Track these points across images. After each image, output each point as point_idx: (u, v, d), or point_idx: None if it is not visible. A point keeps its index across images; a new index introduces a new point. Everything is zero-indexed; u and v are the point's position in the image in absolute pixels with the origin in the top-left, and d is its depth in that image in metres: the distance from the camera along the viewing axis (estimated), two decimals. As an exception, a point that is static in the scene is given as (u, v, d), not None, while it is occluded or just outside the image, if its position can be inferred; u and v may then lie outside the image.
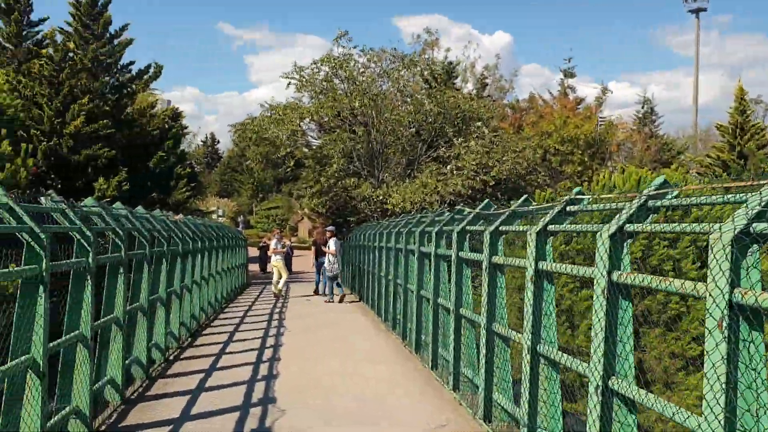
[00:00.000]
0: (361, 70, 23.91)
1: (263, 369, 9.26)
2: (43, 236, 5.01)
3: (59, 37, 24.75)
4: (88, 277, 6.21)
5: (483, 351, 6.65)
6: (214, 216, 47.43)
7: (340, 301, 18.13)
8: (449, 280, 8.68)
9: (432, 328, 9.01)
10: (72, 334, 6.00)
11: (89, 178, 23.53)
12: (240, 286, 22.45)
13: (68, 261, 5.98)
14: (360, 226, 20.88)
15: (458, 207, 9.04)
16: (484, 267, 6.72)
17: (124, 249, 7.45)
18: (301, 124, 24.57)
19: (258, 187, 74.25)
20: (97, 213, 7.26)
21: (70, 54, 24.64)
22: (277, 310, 16.47)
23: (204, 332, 12.61)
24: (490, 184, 21.09)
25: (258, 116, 25.00)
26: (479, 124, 22.80)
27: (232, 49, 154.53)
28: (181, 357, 10.15)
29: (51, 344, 5.35)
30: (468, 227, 7.75)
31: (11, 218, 4.90)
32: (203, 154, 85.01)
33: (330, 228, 19.95)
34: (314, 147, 26.27)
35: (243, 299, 19.48)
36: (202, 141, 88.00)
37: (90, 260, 6.20)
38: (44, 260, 5.02)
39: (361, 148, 23.96)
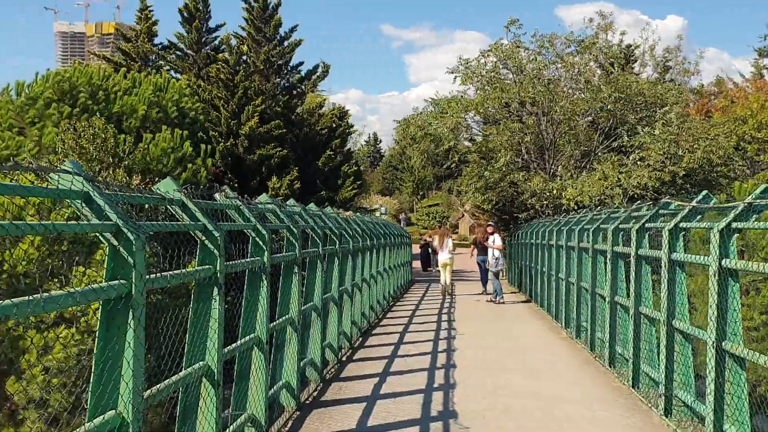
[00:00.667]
0: (531, 57, 22.65)
1: (439, 377, 8.60)
2: (217, 234, 4.63)
3: (234, 42, 25.85)
4: (264, 277, 5.85)
5: (711, 374, 5.49)
6: (376, 213, 48.04)
7: (499, 301, 17.16)
8: (652, 286, 7.54)
9: (632, 341, 7.86)
10: (248, 337, 5.66)
11: (263, 177, 24.37)
12: (405, 284, 22.15)
13: (243, 260, 5.63)
14: (530, 223, 19.75)
15: (664, 200, 7.81)
16: (711, 272, 5.55)
17: (299, 247, 7.09)
18: (466, 117, 23.77)
19: (418, 184, 74.74)
20: (271, 210, 6.95)
21: (244, 57, 25.67)
22: (445, 310, 15.84)
23: (373, 332, 12.23)
24: (680, 175, 18.99)
25: (422, 111, 24.57)
26: (665, 109, 20.67)
27: (393, 49, 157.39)
28: (354, 358, 9.77)
29: (226, 349, 5.00)
30: (683, 224, 6.56)
31: (184, 215, 4.57)
32: (366, 154, 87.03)
33: (491, 223, 19.13)
34: (478, 141, 25.39)
35: (409, 297, 19.08)
36: (365, 141, 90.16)
37: (265, 259, 5.83)
38: (218, 260, 4.65)
39: (530, 140, 22.71)
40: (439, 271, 20.59)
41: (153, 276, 3.81)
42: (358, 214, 15.36)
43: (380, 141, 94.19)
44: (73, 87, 22.05)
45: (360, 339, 11.33)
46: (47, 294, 2.83)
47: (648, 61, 27.21)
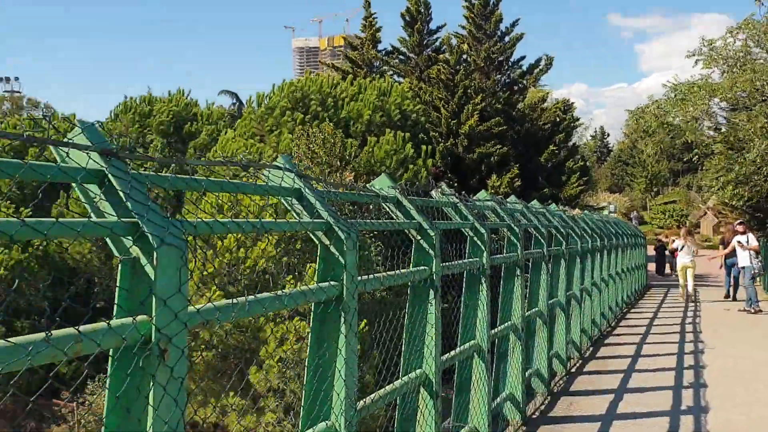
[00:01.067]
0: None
1: (686, 398, 7.45)
2: (432, 233, 4.25)
3: (454, 41, 25.82)
4: (483, 280, 5.37)
5: None
6: (604, 212, 45.39)
7: (754, 309, 14.73)
8: None
9: None
10: (467, 345, 5.22)
11: (482, 175, 24.01)
12: (640, 289, 20.34)
13: (461, 261, 5.21)
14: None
15: None
16: None
17: (521, 247, 6.51)
18: (711, 104, 21.11)
19: (652, 180, 69.31)
20: (490, 207, 6.46)
21: (464, 56, 25.54)
22: (689, 319, 14.13)
23: (606, 341, 11.19)
24: None
25: (657, 99, 22.25)
26: None
27: (621, 40, 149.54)
28: (584, 370, 8.92)
29: (444, 357, 4.61)
30: None
31: (399, 213, 4.25)
32: (593, 149, 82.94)
33: (741, 221, 16.73)
34: (724, 130, 22.48)
35: (645, 304, 17.44)
36: (591, 135, 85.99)
37: (484, 260, 5.35)
38: (434, 260, 4.26)
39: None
40: (677, 275, 18.75)
41: (365, 277, 3.51)
42: (585, 212, 14.31)
43: (608, 135, 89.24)
44: (305, 96, 23.50)
45: (590, 349, 10.39)
46: (253, 297, 2.61)
47: None
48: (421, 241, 4.27)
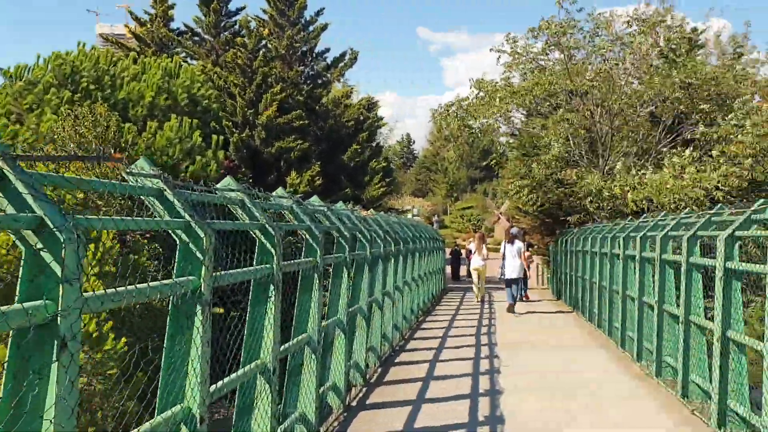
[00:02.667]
0: (587, 39, 19.57)
1: (482, 436, 6.22)
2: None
3: (253, 25, 23.81)
4: (198, 310, 3.58)
5: None
6: (408, 215, 45.77)
7: (508, 310, 15.25)
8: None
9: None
10: (169, 413, 3.37)
11: (281, 172, 22.24)
12: (438, 293, 19.74)
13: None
14: (581, 228, 17.15)
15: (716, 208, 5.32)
16: None
17: (277, 256, 4.76)
18: (512, 107, 20.84)
19: (452, 186, 72.20)
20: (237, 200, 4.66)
21: (265, 42, 23.64)
22: (485, 327, 13.43)
23: (397, 359, 9.89)
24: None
25: (463, 97, 21.55)
26: (746, 98, 17.48)
27: (430, 53, 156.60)
28: (368, 403, 7.40)
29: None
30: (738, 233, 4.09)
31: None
32: (399, 154, 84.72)
33: (513, 230, 17.08)
34: (522, 135, 22.58)
35: (442, 309, 16.73)
36: (398, 141, 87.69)
37: (202, 280, 3.55)
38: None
39: (582, 133, 19.71)
40: (470, 277, 19.42)
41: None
42: (381, 213, 13.04)
43: (413, 142, 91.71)
44: (76, 71, 20.14)
45: (379, 370, 8.98)
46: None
47: (712, 50, 23.87)
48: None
